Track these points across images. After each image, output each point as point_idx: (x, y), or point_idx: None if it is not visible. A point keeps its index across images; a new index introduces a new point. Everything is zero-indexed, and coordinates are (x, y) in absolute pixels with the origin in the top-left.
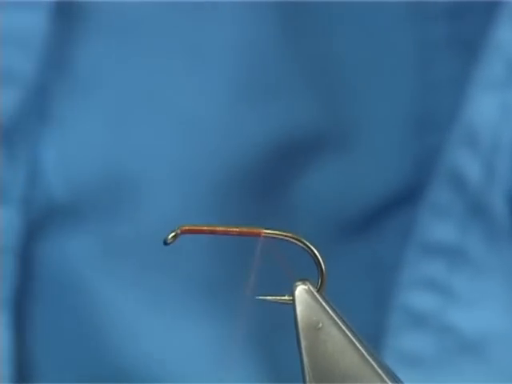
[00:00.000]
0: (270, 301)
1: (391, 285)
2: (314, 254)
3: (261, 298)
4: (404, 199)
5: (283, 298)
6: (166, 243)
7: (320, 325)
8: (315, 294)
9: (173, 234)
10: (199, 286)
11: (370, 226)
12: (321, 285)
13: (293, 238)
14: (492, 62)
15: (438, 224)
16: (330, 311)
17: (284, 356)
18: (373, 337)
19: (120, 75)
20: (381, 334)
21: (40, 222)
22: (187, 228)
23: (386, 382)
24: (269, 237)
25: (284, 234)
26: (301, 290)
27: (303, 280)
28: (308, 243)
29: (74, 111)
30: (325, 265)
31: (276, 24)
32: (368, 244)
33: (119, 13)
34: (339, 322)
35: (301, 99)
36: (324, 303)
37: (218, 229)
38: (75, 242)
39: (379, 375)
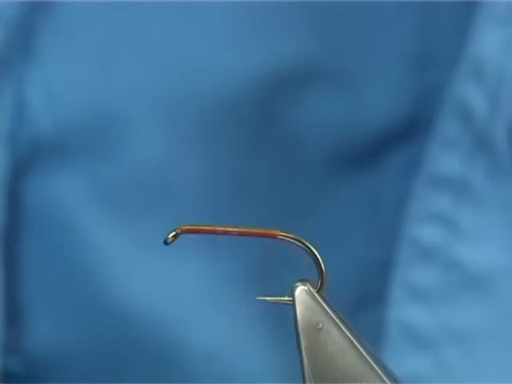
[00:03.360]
0: (269, 301)
1: (396, 218)
2: (314, 254)
3: (260, 298)
4: (408, 133)
5: (283, 298)
6: (166, 243)
7: (320, 325)
8: (315, 294)
9: (173, 233)
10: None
11: (373, 159)
12: (321, 285)
13: (292, 239)
14: None
15: (445, 157)
16: (330, 312)
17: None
18: (379, 271)
19: (107, 13)
20: (387, 267)
21: (27, 160)
22: (188, 228)
23: (385, 382)
24: (266, 237)
25: (283, 234)
26: (301, 290)
27: (303, 280)
28: (308, 244)
29: (59, 48)
30: (325, 265)
31: None
32: (372, 177)
33: None
34: (339, 323)
35: (298, 31)
36: (324, 304)
37: (218, 229)
38: (63, 180)
39: (379, 375)
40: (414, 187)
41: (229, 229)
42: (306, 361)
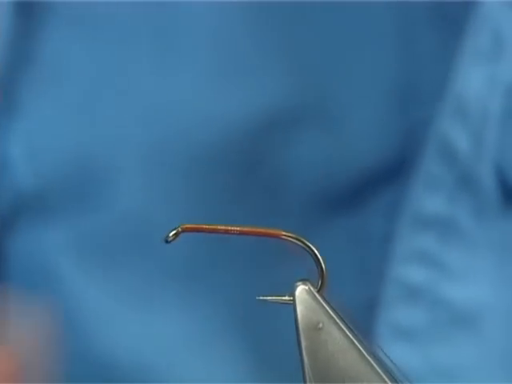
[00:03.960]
0: (270, 301)
1: (382, 258)
2: (315, 253)
3: (261, 298)
4: (392, 172)
5: (283, 298)
6: (167, 241)
7: (320, 325)
8: (316, 294)
9: (174, 231)
10: (175, 276)
11: (359, 199)
12: (321, 285)
13: (294, 238)
14: (478, 33)
15: (429, 196)
16: (331, 311)
17: (268, 340)
18: (366, 311)
19: (87, 63)
20: (373, 307)
21: (10, 215)
22: (188, 226)
23: (386, 381)
24: (267, 237)
25: (285, 233)
26: (301, 290)
27: (303, 280)
28: (308, 243)
29: (40, 101)
30: (325, 265)
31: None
32: (357, 217)
33: (86, 1)
34: (340, 323)
35: (281, 74)
36: (324, 303)
37: (219, 228)
38: (46, 234)
39: (379, 375)
40: (400, 227)
41: (230, 228)
42: (306, 360)
